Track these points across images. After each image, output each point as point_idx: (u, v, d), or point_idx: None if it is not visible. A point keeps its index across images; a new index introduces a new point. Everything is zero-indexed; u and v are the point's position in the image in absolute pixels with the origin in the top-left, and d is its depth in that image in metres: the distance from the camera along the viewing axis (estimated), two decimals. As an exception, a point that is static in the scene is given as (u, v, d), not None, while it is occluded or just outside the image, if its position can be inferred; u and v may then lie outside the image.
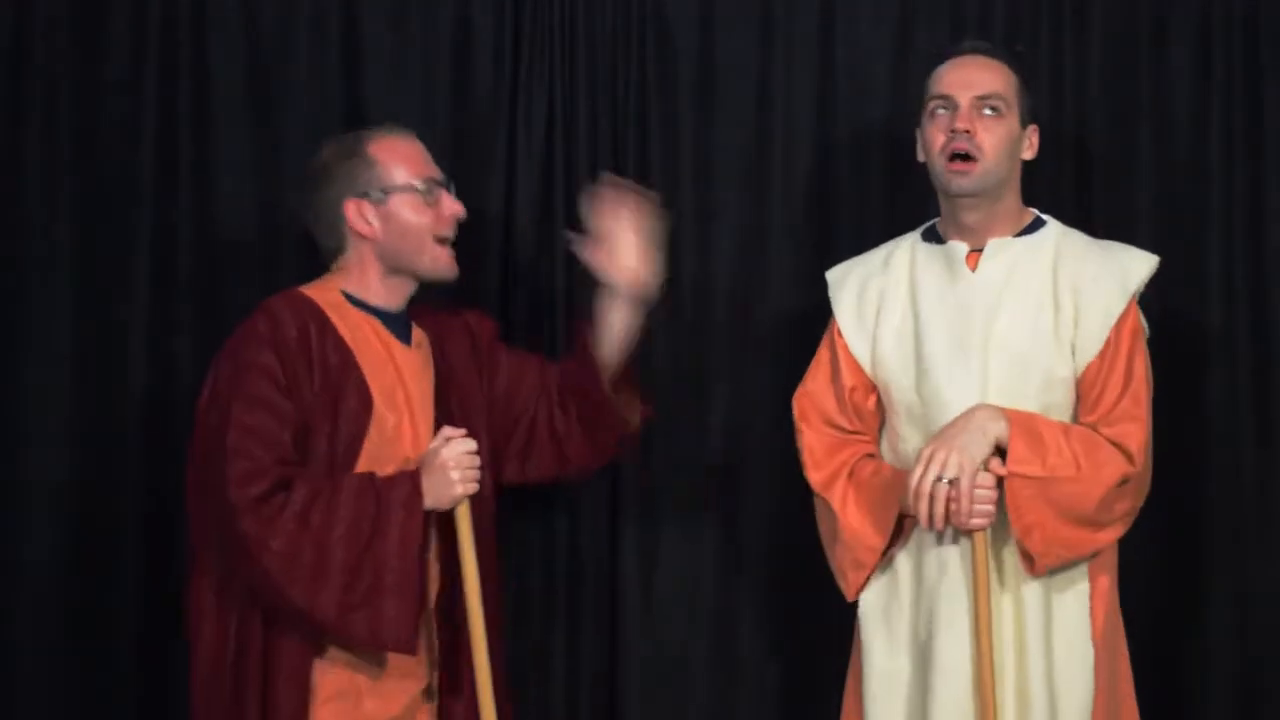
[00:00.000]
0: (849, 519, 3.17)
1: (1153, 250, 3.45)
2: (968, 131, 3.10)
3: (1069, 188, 3.75)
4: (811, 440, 3.26)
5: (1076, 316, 3.13)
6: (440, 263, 3.15)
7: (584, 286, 3.75)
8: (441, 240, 3.15)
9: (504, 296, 3.79)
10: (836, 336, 3.29)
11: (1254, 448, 3.75)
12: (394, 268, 3.12)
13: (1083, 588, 3.13)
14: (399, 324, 3.15)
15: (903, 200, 3.75)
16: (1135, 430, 3.09)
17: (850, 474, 3.20)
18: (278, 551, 2.86)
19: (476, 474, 3.01)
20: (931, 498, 3.00)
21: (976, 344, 3.13)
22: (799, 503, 3.50)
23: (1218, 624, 3.74)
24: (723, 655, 3.79)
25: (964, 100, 3.12)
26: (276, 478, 2.90)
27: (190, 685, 3.08)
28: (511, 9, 3.80)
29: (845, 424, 3.25)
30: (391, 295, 3.14)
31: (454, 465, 2.98)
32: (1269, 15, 3.77)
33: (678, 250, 3.81)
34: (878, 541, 3.15)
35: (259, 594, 2.94)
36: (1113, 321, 3.12)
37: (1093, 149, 3.78)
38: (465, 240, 3.74)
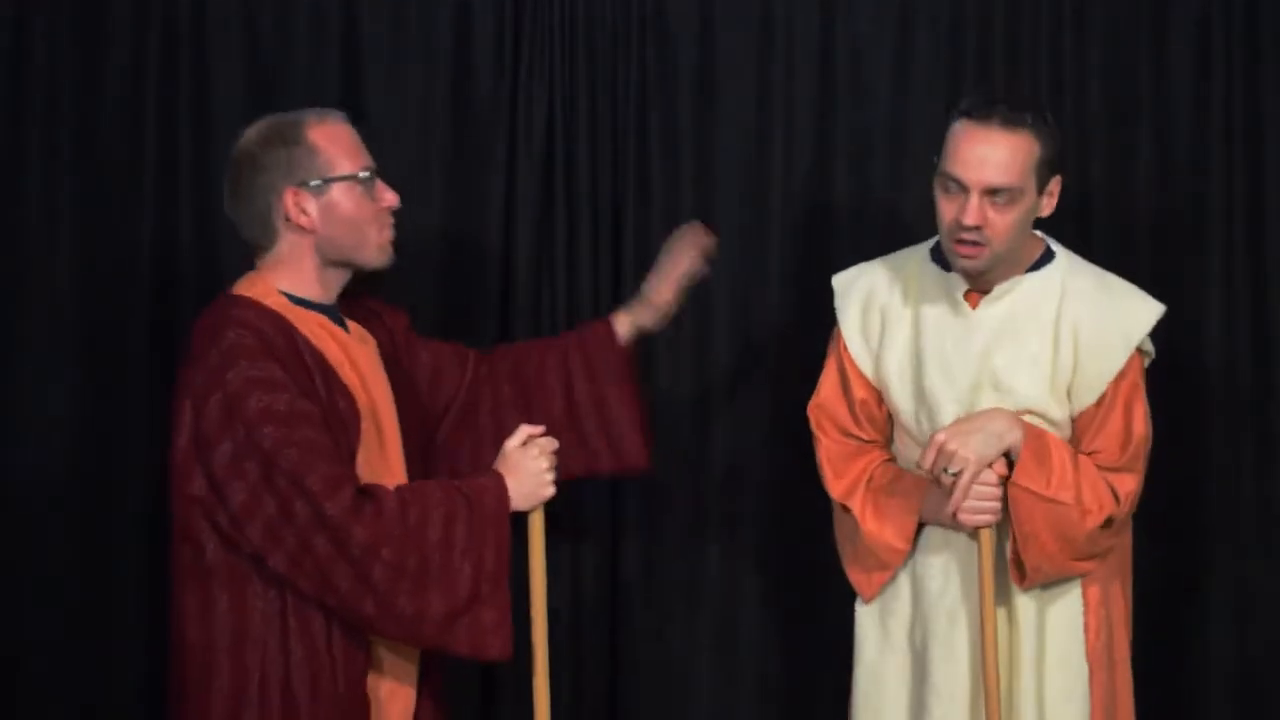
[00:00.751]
0: (869, 526, 3.16)
1: (1153, 250, 3.46)
2: (977, 227, 2.99)
3: (1069, 188, 3.73)
4: (830, 449, 3.24)
5: (1076, 363, 3.10)
6: (384, 252, 2.96)
7: (582, 288, 3.79)
8: (381, 229, 2.96)
9: (504, 297, 3.79)
10: (843, 350, 3.27)
11: (1254, 448, 3.76)
12: (331, 260, 2.92)
13: (1075, 603, 3.12)
14: (337, 319, 2.97)
15: (902, 200, 3.75)
16: (1129, 480, 3.10)
17: (869, 481, 3.20)
18: (388, 561, 2.75)
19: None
20: (936, 484, 3.02)
21: (970, 383, 3.11)
22: (800, 503, 3.51)
23: (1218, 624, 3.74)
24: (724, 658, 3.79)
25: (975, 190, 2.97)
26: (354, 483, 2.78)
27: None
28: (511, 9, 3.80)
29: (860, 434, 3.24)
30: (328, 289, 2.95)
31: (548, 465, 2.91)
32: (1269, 15, 3.77)
33: (677, 250, 3.82)
34: (902, 545, 3.15)
35: (353, 608, 2.78)
36: (1111, 376, 3.09)
37: (1093, 149, 3.78)
38: (465, 240, 3.75)
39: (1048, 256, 3.17)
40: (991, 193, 2.98)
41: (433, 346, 3.23)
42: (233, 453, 2.77)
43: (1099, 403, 3.10)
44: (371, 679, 2.89)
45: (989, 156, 2.98)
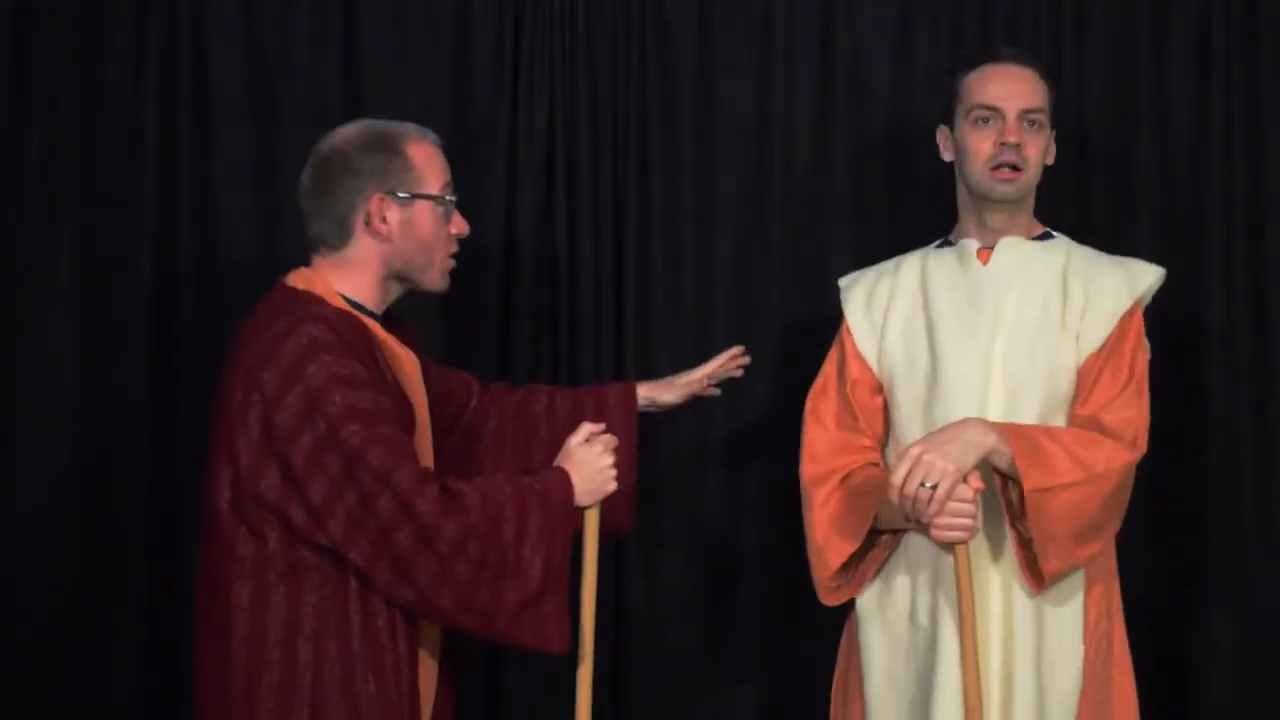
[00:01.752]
0: (823, 519, 3.18)
1: (1153, 250, 3.47)
2: (1018, 145, 3.15)
3: (1069, 187, 3.75)
4: (815, 437, 3.25)
5: (1084, 308, 3.15)
6: (445, 279, 3.00)
7: (583, 288, 3.80)
8: (447, 255, 3.00)
9: (505, 297, 3.79)
10: (846, 335, 3.30)
11: (1254, 447, 3.76)
12: (396, 273, 2.94)
13: (1077, 588, 3.13)
14: (388, 329, 2.99)
15: (902, 199, 3.75)
16: (1135, 417, 3.11)
17: (843, 479, 3.21)
18: (473, 556, 2.75)
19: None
20: (914, 500, 2.98)
21: (984, 329, 3.14)
22: (798, 505, 3.50)
23: (1218, 624, 3.74)
24: (724, 659, 3.79)
25: (1011, 114, 3.16)
26: (436, 479, 2.78)
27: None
28: (511, 9, 3.80)
29: (850, 421, 3.25)
30: (382, 300, 2.96)
31: (611, 461, 2.92)
32: (1269, 16, 3.77)
33: (678, 250, 3.82)
34: (846, 546, 3.16)
35: (430, 601, 2.76)
36: (1118, 318, 3.14)
37: (1093, 149, 3.79)
38: (465, 241, 3.75)
39: (1049, 235, 3.27)
40: (1025, 114, 3.18)
41: (438, 370, 3.23)
42: (313, 446, 2.74)
43: (1103, 347, 3.13)
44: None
45: (1016, 85, 3.21)
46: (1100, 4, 3.80)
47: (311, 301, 2.86)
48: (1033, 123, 3.17)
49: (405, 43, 3.80)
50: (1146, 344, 3.21)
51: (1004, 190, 3.17)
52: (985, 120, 3.18)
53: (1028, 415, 3.11)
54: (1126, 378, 3.13)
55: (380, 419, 2.76)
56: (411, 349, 3.05)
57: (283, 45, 3.78)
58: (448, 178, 2.98)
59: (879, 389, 3.25)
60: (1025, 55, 3.25)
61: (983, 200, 3.20)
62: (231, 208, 3.77)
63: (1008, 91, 3.17)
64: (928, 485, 2.95)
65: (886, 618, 3.20)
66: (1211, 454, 3.74)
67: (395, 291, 2.98)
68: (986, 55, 3.25)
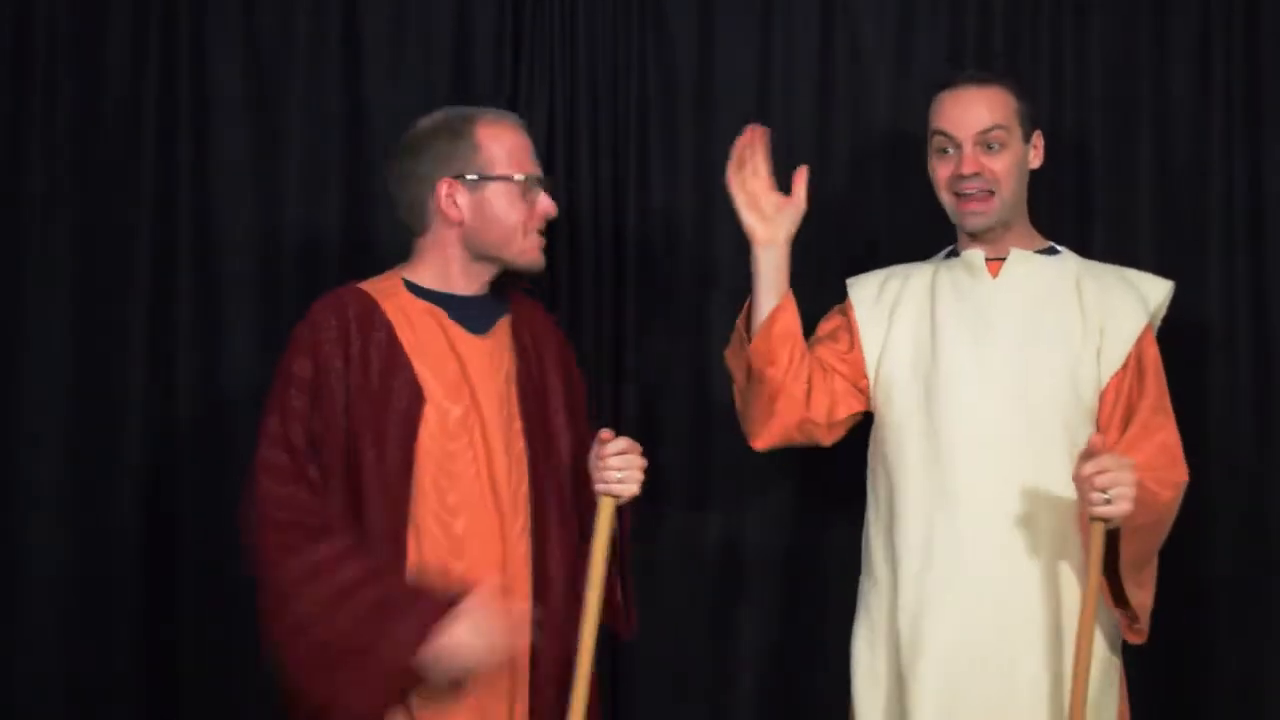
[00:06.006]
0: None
1: (1153, 250, 3.47)
2: (977, 174, 3.14)
3: (1069, 188, 3.75)
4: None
5: (1103, 326, 3.16)
6: (528, 255, 3.04)
7: (583, 287, 3.80)
8: (529, 234, 3.03)
9: (504, 296, 3.79)
10: (851, 316, 3.31)
11: (1254, 448, 3.75)
12: (479, 254, 3.00)
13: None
14: (473, 310, 3.02)
15: (903, 200, 3.75)
16: (1170, 429, 3.15)
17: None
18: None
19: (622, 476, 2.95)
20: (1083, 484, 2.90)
21: (990, 340, 3.14)
22: (802, 502, 3.51)
23: (1217, 625, 3.74)
24: (724, 658, 3.79)
25: (966, 141, 3.15)
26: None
27: None
28: (511, 8, 3.80)
29: (822, 354, 3.27)
30: (471, 281, 3.02)
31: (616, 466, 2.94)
32: (1269, 16, 3.77)
33: (678, 250, 3.82)
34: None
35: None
36: (1136, 336, 3.15)
37: (1093, 149, 3.79)
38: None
39: (1054, 250, 3.27)
40: (983, 140, 3.14)
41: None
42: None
43: (1126, 365, 3.14)
44: None
45: (970, 109, 3.17)
46: (1101, 4, 3.80)
47: (329, 294, 2.98)
48: (992, 145, 3.14)
49: (405, 43, 3.80)
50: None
51: (975, 221, 3.18)
52: (944, 150, 3.17)
53: (1051, 425, 3.12)
54: (1158, 395, 3.14)
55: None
56: (542, 336, 3.09)
57: (283, 45, 3.78)
58: (527, 157, 3.01)
59: (855, 390, 3.25)
60: (983, 74, 3.23)
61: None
62: (231, 208, 3.77)
63: (960, 116, 3.16)
64: (1106, 493, 2.90)
65: (871, 617, 3.20)
66: (1211, 455, 3.74)
67: (487, 272, 3.04)
68: (949, 80, 3.23)
